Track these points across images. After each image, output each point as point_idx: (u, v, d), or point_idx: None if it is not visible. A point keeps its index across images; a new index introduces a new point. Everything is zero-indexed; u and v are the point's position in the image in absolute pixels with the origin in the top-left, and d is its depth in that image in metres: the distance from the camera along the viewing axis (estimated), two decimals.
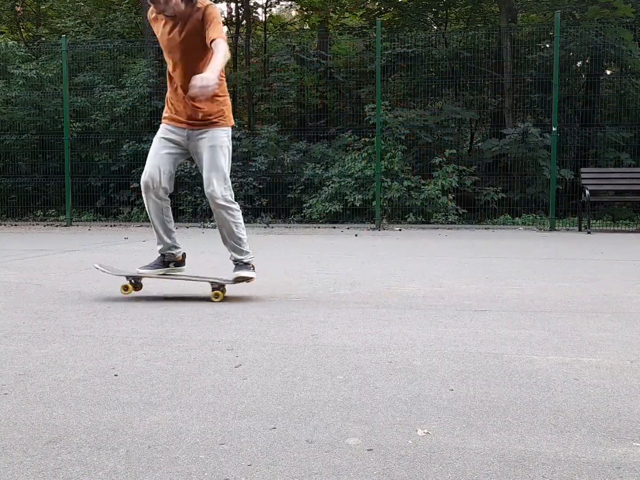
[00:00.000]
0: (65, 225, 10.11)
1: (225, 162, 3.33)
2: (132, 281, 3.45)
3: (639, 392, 1.83)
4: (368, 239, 7.53)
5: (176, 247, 3.47)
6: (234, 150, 10.81)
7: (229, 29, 17.98)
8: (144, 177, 3.31)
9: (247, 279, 3.36)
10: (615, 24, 10.35)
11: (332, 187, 10.08)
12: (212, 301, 3.30)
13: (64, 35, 10.96)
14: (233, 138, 11.08)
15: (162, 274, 3.47)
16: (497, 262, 5.09)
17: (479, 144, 11.60)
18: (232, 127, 3.48)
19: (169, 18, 3.25)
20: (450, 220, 9.69)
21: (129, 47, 12.20)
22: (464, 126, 12.32)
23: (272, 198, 10.60)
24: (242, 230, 3.35)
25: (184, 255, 3.54)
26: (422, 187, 9.82)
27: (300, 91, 12.46)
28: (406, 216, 9.84)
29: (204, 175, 3.28)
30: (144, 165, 3.40)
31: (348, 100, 12.52)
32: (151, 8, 3.29)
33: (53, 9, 15.87)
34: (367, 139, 10.25)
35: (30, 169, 11.58)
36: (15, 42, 12.17)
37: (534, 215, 9.92)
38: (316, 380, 1.94)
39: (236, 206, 3.33)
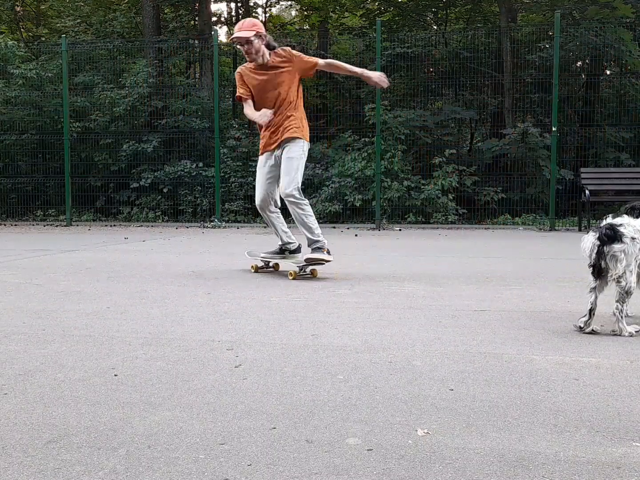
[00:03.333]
0: (65, 225, 10.11)
1: (298, 167, 4.13)
2: (266, 263, 4.45)
3: (638, 392, 1.83)
4: (368, 239, 7.53)
5: (290, 242, 4.41)
6: (233, 150, 10.87)
7: (229, 29, 17.97)
8: (257, 202, 4.34)
9: (318, 261, 4.04)
10: (614, 24, 10.35)
11: (332, 187, 10.09)
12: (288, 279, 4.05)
13: (64, 35, 10.96)
14: (233, 138, 11.12)
15: (281, 259, 4.40)
16: (497, 262, 5.09)
17: (479, 144, 11.60)
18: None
19: (258, 69, 4.16)
20: (450, 220, 9.69)
21: (128, 47, 12.19)
22: (463, 126, 12.32)
23: None
24: (312, 220, 4.16)
25: (299, 245, 4.43)
26: (422, 187, 9.82)
27: None
28: (406, 216, 9.84)
29: (281, 178, 4.15)
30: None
31: (348, 100, 12.52)
32: (239, 68, 4.26)
33: (53, 9, 15.87)
34: (367, 139, 10.25)
35: (30, 169, 11.57)
36: (15, 42, 12.16)
37: (534, 215, 9.91)
38: (316, 380, 1.94)
39: (305, 201, 4.16)
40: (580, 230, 8.67)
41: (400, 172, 9.91)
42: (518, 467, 1.34)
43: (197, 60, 13.46)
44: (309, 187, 10.50)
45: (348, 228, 9.28)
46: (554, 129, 8.77)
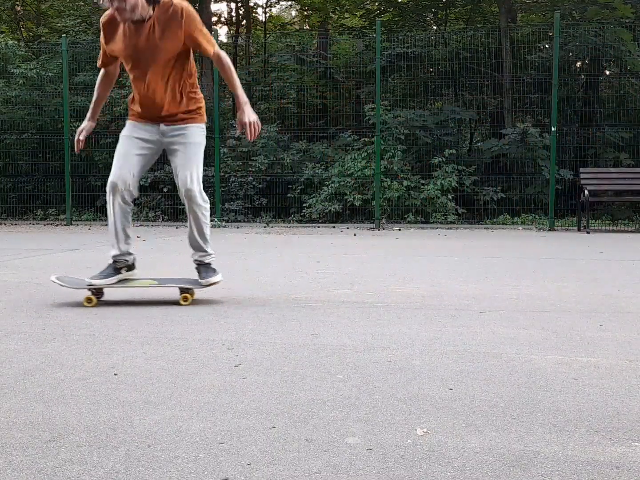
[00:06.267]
0: (65, 225, 10.11)
1: (200, 159, 3.21)
2: (94, 291, 3.22)
3: (637, 392, 1.83)
4: (367, 238, 7.54)
5: (130, 254, 3.29)
6: (233, 150, 10.86)
7: (229, 29, 17.98)
8: (113, 178, 3.14)
9: (216, 283, 3.33)
10: (614, 25, 10.36)
11: (331, 187, 10.09)
12: (181, 304, 3.18)
13: (64, 34, 10.96)
14: (233, 138, 11.12)
15: (118, 281, 3.24)
16: (497, 262, 5.10)
17: (479, 144, 11.60)
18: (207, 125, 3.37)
19: (133, 23, 3.04)
20: (449, 220, 9.69)
21: None
22: (463, 126, 12.32)
23: (272, 198, 10.60)
24: (209, 229, 3.31)
25: (134, 260, 3.34)
26: (422, 187, 9.83)
27: (300, 91, 12.46)
28: (405, 216, 9.84)
29: (180, 172, 3.15)
30: None
31: (348, 100, 12.52)
32: (106, 13, 3.08)
33: (53, 9, 15.86)
34: (366, 139, 10.25)
35: (30, 169, 11.57)
36: (16, 42, 12.15)
37: (533, 215, 9.92)
38: (315, 380, 1.95)
39: (208, 205, 3.25)
40: (579, 230, 8.68)
41: (400, 172, 9.92)
42: (517, 467, 1.35)
43: (197, 60, 13.47)
44: (309, 186, 10.51)
45: (348, 228, 9.29)
46: (553, 129, 8.77)
